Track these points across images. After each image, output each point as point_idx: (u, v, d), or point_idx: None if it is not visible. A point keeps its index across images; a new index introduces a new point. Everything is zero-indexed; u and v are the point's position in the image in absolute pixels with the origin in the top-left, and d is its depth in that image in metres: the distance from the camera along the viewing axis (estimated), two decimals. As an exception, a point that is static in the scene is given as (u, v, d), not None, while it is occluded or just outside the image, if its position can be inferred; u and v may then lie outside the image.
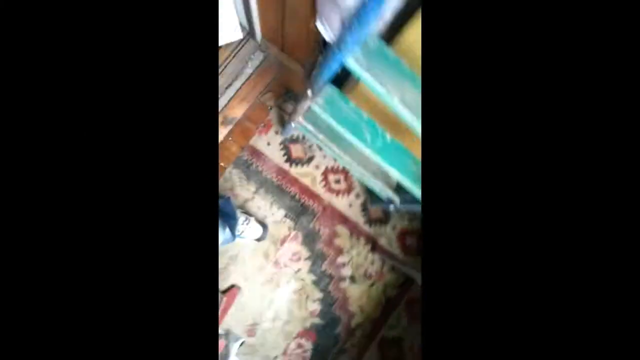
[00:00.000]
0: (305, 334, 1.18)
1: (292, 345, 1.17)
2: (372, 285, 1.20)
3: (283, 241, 1.14)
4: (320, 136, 0.83)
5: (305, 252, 1.16)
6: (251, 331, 1.14)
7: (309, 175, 1.16)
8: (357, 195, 1.18)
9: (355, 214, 1.19)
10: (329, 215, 1.17)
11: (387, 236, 1.20)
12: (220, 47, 1.02)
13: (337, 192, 1.18)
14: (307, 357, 1.18)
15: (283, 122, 1.12)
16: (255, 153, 1.12)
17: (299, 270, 1.16)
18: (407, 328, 1.21)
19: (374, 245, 1.20)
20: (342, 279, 1.19)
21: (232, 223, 0.98)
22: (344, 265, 1.18)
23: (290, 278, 1.15)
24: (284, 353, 1.16)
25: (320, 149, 1.15)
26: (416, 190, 0.72)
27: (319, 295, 1.18)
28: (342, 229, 1.18)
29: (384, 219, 1.20)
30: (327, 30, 0.63)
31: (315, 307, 1.18)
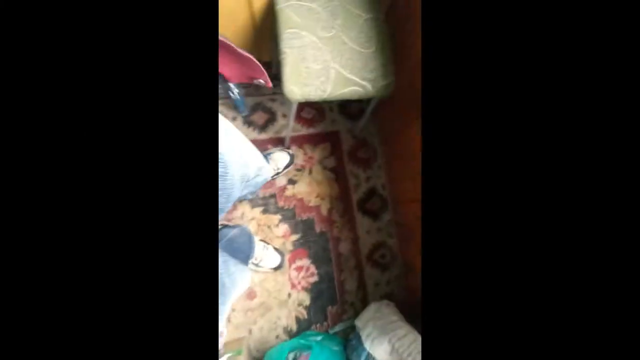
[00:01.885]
0: (295, 255, 1.13)
1: (293, 274, 1.12)
2: (310, 172, 1.18)
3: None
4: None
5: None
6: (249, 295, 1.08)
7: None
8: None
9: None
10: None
11: (285, 126, 1.18)
12: None
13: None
14: (314, 272, 1.13)
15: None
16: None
17: (242, 213, 1.11)
18: (368, 177, 1.21)
19: (281, 142, 1.17)
20: (283, 189, 1.15)
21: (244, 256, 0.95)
22: (273, 178, 1.15)
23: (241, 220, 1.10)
24: (292, 286, 1.11)
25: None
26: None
27: (277, 217, 1.14)
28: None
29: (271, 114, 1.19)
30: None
31: (281, 228, 1.14)
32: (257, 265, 1.06)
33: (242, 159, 0.65)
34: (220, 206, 0.61)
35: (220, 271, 0.68)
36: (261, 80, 0.84)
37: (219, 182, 0.57)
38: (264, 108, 1.20)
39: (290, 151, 1.15)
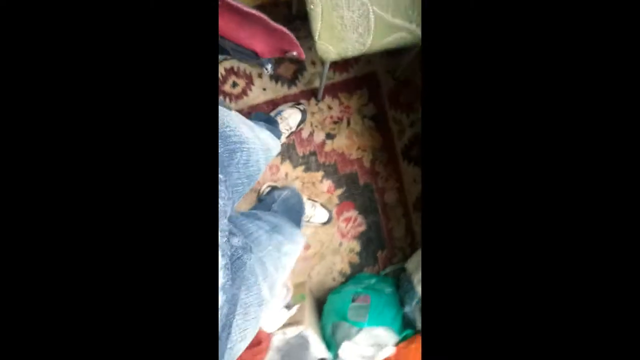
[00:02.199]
0: (342, 208, 1.15)
1: (341, 225, 1.16)
2: (348, 124, 1.11)
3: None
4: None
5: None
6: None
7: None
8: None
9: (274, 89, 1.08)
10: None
11: (315, 75, 1.07)
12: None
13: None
14: (362, 222, 1.16)
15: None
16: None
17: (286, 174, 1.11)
18: (412, 122, 1.11)
19: (313, 94, 1.08)
20: (322, 145, 1.11)
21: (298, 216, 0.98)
22: (310, 134, 1.10)
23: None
24: (342, 236, 1.16)
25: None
26: None
27: (319, 174, 1.13)
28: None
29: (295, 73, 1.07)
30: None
31: (325, 184, 1.14)
32: (308, 222, 1.10)
33: (263, 144, 0.63)
34: (245, 190, 0.62)
35: (278, 235, 0.72)
36: (294, 53, 0.73)
37: (242, 169, 0.55)
38: (289, 58, 1.08)
39: (302, 106, 1.07)
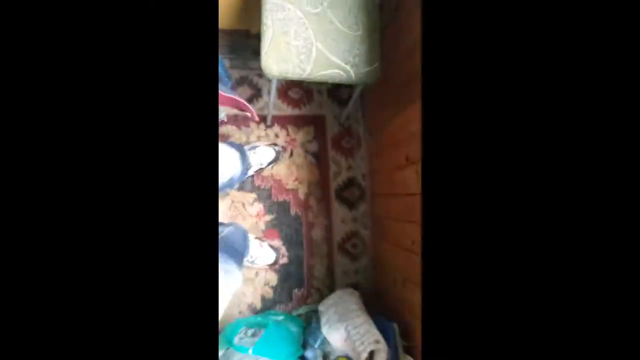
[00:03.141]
0: (267, 235, 1.13)
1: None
2: (290, 154, 1.16)
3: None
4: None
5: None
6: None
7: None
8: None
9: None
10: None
11: (265, 101, 1.15)
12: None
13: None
14: (284, 253, 1.13)
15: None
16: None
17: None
18: (349, 166, 1.19)
19: (262, 119, 1.15)
20: (260, 169, 1.14)
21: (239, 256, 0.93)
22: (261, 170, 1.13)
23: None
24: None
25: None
26: None
27: (252, 196, 1.13)
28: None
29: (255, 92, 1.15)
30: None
31: (255, 207, 1.13)
32: (252, 262, 1.05)
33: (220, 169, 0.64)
34: None
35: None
36: (248, 114, 0.81)
37: None
38: (249, 83, 1.16)
39: (277, 147, 1.12)
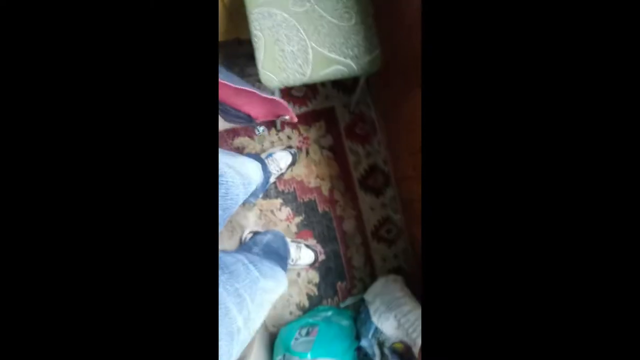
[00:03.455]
0: (301, 236, 1.15)
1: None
2: (307, 153, 1.15)
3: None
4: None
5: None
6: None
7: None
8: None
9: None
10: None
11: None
12: None
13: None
14: (321, 250, 1.15)
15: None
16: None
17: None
18: (368, 153, 1.16)
19: (274, 124, 1.13)
20: (280, 175, 1.14)
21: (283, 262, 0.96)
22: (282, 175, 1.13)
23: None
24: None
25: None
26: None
27: (278, 201, 1.14)
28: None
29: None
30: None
31: (284, 212, 1.14)
32: (294, 264, 1.08)
33: (243, 178, 0.65)
34: (220, 220, 0.62)
35: (257, 275, 0.69)
36: (287, 117, 0.78)
37: (220, 201, 0.56)
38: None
39: (292, 150, 1.12)
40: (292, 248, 1.07)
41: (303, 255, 1.09)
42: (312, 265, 1.13)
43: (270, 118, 0.89)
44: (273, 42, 0.70)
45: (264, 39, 0.70)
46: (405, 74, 0.85)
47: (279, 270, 0.84)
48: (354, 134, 1.16)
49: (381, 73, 1.02)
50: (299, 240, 1.13)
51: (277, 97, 0.74)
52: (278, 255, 0.97)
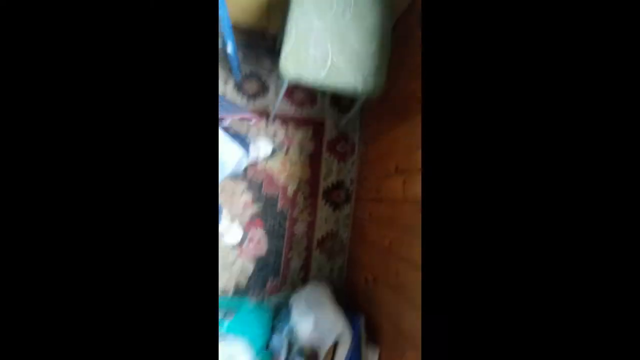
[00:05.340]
0: (251, 225, 1.17)
1: (244, 242, 1.17)
2: (287, 152, 1.22)
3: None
4: None
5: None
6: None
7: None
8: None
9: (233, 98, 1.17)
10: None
11: (269, 98, 1.20)
12: None
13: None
14: (265, 244, 1.19)
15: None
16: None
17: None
18: (340, 169, 1.26)
19: (267, 117, 1.19)
20: (255, 160, 1.18)
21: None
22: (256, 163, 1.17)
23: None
24: (240, 252, 1.16)
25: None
26: None
27: (243, 185, 1.17)
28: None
29: (261, 90, 1.20)
30: None
31: (245, 196, 1.17)
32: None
33: (220, 158, 0.68)
34: None
35: None
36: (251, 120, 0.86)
37: None
38: (258, 79, 1.21)
39: (275, 143, 1.18)
40: (226, 219, 1.09)
41: (232, 231, 1.12)
42: (233, 247, 1.15)
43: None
44: (302, 40, 0.79)
45: (296, 35, 0.79)
46: (394, 110, 0.98)
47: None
48: (334, 149, 1.26)
49: (375, 105, 1.15)
50: (240, 220, 1.16)
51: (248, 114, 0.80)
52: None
